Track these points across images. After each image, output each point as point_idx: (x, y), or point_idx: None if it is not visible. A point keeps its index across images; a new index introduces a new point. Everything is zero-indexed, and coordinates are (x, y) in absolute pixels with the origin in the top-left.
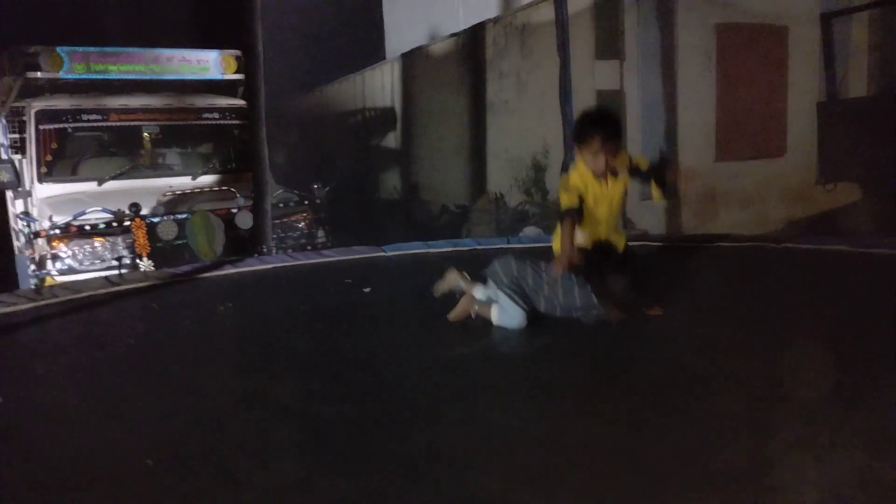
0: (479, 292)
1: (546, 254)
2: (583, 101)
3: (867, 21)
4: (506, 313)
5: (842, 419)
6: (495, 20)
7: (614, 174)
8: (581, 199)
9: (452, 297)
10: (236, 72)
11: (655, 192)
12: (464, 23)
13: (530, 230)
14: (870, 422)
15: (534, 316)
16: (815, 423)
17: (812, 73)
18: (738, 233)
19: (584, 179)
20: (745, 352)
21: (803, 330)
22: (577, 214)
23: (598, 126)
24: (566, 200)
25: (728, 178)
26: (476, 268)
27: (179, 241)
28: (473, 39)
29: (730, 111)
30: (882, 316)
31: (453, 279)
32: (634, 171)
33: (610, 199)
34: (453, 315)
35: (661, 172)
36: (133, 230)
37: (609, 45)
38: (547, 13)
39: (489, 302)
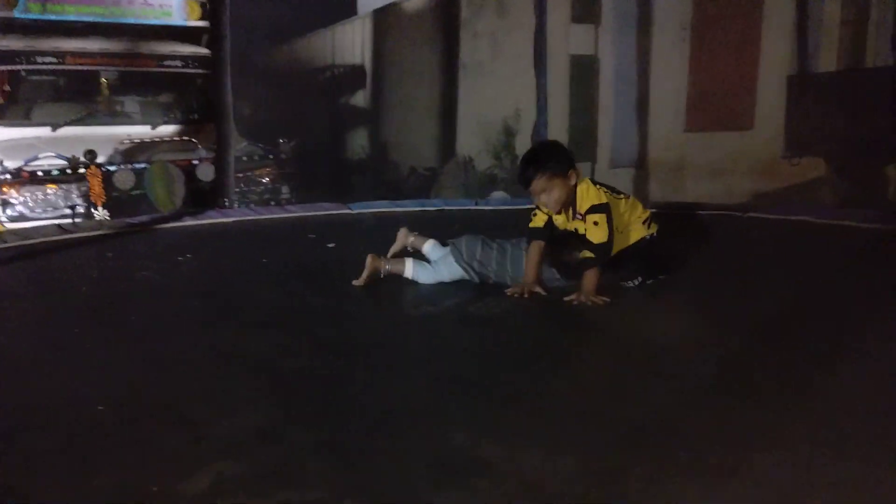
0: (428, 245)
1: (511, 216)
2: (557, 64)
3: None
4: (426, 270)
5: (795, 381)
6: None
7: (574, 214)
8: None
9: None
10: (201, 18)
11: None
12: None
13: (498, 194)
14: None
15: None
16: (764, 382)
17: (785, 45)
18: (706, 202)
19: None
20: (711, 317)
21: (761, 295)
22: (543, 234)
23: (530, 167)
24: (532, 221)
25: (697, 150)
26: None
27: (137, 192)
28: None
29: (701, 82)
30: (843, 282)
31: (404, 236)
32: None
33: (575, 227)
34: (361, 279)
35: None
36: (88, 178)
37: (586, 9)
38: None
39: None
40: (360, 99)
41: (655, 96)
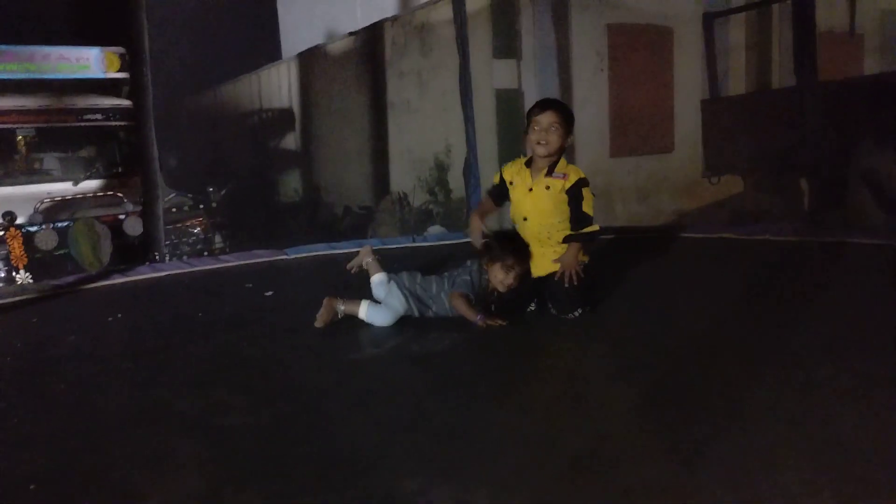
0: (378, 276)
1: (447, 250)
2: (482, 99)
3: (745, 22)
4: (378, 310)
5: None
6: (393, 19)
7: (550, 171)
8: (504, 184)
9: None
10: (120, 70)
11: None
12: (361, 22)
13: (435, 229)
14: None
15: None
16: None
17: (696, 71)
18: (635, 225)
19: (515, 171)
20: (654, 339)
21: (691, 313)
22: (496, 194)
23: (552, 105)
24: (494, 179)
25: (622, 174)
26: (383, 266)
27: (61, 251)
28: (372, 38)
29: (622, 109)
30: (765, 293)
31: (366, 253)
32: (570, 202)
33: (532, 203)
34: (319, 321)
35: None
36: (7, 240)
37: (506, 45)
38: (445, 12)
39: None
40: (290, 142)
41: (580, 124)
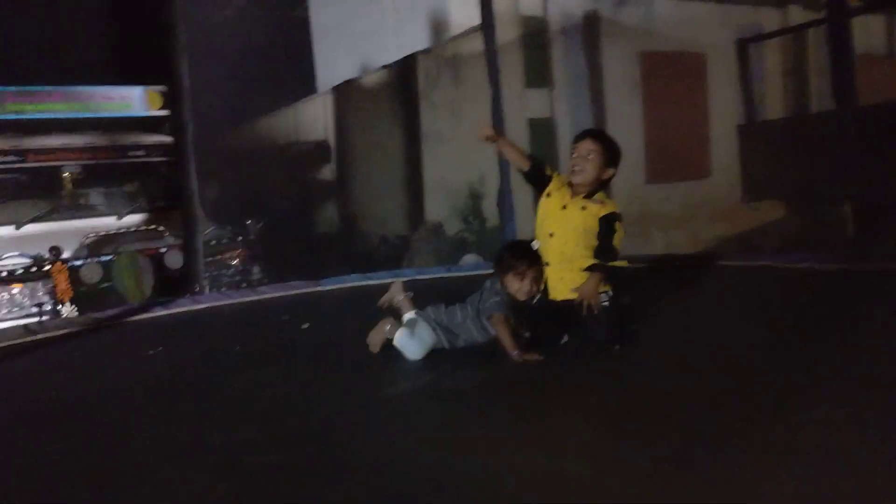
0: (408, 315)
1: (484, 280)
2: (515, 129)
3: (780, 47)
4: (411, 339)
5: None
6: (426, 51)
7: (589, 195)
8: (544, 176)
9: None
10: (161, 107)
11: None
12: (395, 54)
13: (470, 258)
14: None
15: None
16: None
17: (731, 97)
18: (673, 252)
19: (557, 185)
20: (691, 370)
21: (734, 346)
22: (535, 167)
23: (592, 133)
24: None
25: (659, 200)
26: (417, 297)
27: (105, 285)
28: (405, 71)
29: (657, 136)
30: (812, 325)
31: (398, 290)
32: (601, 231)
33: (566, 222)
34: (374, 346)
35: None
36: (53, 274)
37: (538, 75)
38: (477, 44)
39: (405, 324)
40: (326, 173)
41: None
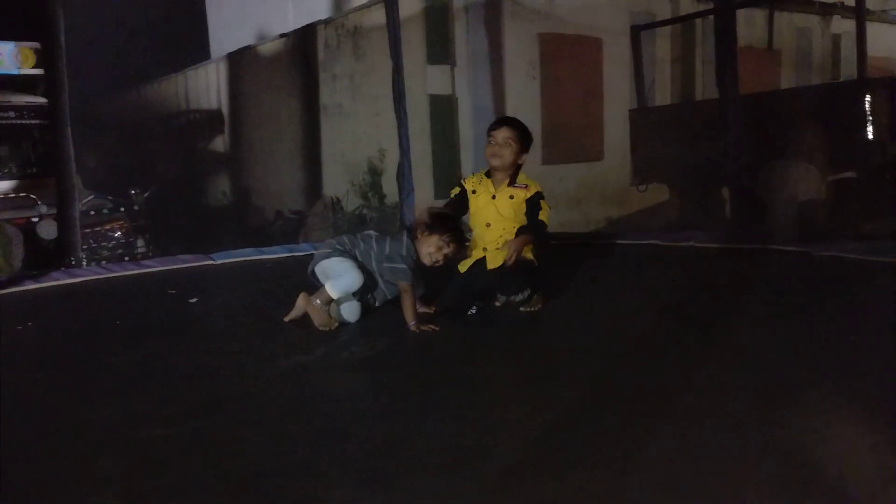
0: (328, 286)
1: None
2: (416, 104)
3: (670, 35)
4: (339, 279)
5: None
6: (326, 21)
7: (512, 181)
8: (465, 194)
9: (291, 306)
10: (35, 66)
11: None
12: (294, 23)
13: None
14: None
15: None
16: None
17: (625, 82)
18: (565, 231)
19: (476, 181)
20: (586, 344)
21: (629, 317)
22: (457, 204)
23: (508, 121)
24: (452, 192)
25: (554, 181)
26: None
27: None
28: (304, 40)
29: (553, 117)
30: (692, 297)
31: (304, 302)
32: (528, 209)
33: (496, 210)
34: (291, 315)
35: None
36: None
37: (440, 51)
38: (379, 16)
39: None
40: (219, 144)
41: None
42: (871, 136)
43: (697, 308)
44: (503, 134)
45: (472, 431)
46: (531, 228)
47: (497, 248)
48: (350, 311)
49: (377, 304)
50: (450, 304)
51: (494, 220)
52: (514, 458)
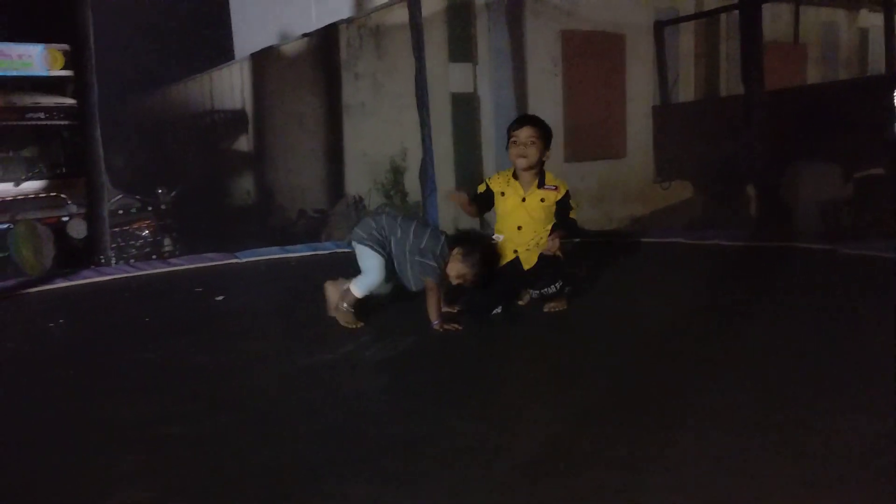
0: (352, 287)
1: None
2: (438, 103)
3: (694, 30)
4: (362, 279)
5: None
6: (349, 21)
7: (540, 183)
8: (490, 193)
9: (315, 304)
10: (64, 67)
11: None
12: (316, 23)
13: None
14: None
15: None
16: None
17: (648, 78)
18: (588, 229)
19: (504, 182)
20: (610, 344)
21: (653, 317)
22: (482, 202)
23: (529, 120)
24: (479, 189)
25: (576, 179)
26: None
27: (1, 255)
28: (327, 40)
29: (576, 114)
30: (716, 297)
31: (333, 291)
32: (559, 210)
33: (527, 213)
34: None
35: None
36: None
37: (462, 49)
38: (401, 15)
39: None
40: (243, 144)
41: None
42: None
43: (722, 308)
44: (526, 133)
45: (491, 430)
46: (565, 228)
47: (527, 250)
48: (368, 279)
49: (413, 289)
50: (476, 303)
51: (526, 222)
52: (531, 456)
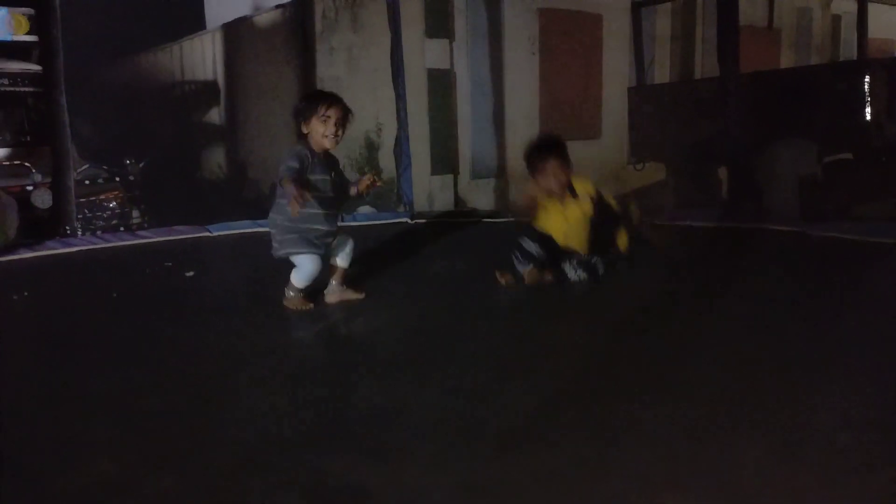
0: (293, 279)
1: (377, 231)
2: (414, 79)
3: (670, 12)
4: (298, 270)
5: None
6: None
7: (572, 194)
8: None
9: (284, 276)
10: (29, 32)
11: (622, 240)
12: None
13: (365, 209)
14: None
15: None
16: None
17: (624, 59)
18: None
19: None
20: (581, 319)
21: (625, 293)
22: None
23: (551, 150)
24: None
25: None
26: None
27: None
28: (302, 11)
29: (552, 93)
30: (688, 276)
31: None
32: (601, 206)
33: (566, 219)
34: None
35: (629, 223)
36: None
37: (439, 25)
38: None
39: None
40: (215, 116)
41: (511, 108)
42: (869, 118)
43: (696, 287)
44: (554, 165)
45: (469, 403)
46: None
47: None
48: (303, 270)
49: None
50: (516, 247)
51: (573, 231)
52: (510, 428)
